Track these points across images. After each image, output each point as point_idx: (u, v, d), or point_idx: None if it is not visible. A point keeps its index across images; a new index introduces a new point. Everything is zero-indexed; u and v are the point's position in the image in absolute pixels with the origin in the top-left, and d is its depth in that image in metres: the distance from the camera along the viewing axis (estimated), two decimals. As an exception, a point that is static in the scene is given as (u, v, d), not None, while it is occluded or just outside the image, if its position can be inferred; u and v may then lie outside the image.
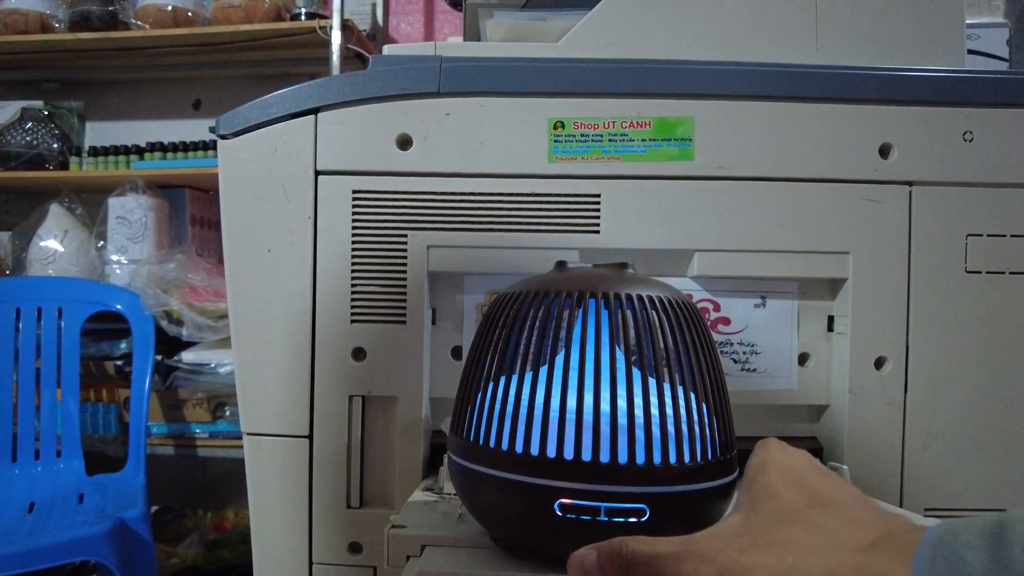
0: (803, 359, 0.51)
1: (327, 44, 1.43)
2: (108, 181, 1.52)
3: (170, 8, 1.51)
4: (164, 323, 1.29)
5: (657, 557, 0.28)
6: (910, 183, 0.48)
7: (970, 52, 0.77)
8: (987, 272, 0.48)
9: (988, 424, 0.48)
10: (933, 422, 0.48)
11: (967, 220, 0.48)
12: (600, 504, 0.31)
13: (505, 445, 0.33)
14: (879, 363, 0.48)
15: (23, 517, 1.12)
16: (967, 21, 0.56)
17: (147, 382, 1.26)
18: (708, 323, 0.50)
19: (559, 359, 0.33)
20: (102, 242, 1.50)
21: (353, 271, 0.48)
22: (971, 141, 0.48)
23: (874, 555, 0.23)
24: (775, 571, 0.25)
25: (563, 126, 0.48)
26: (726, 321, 0.51)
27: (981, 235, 0.48)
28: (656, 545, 0.28)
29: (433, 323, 0.51)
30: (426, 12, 1.74)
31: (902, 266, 0.48)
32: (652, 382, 0.33)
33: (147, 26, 1.52)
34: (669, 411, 0.33)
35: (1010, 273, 0.48)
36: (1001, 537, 0.21)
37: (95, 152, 1.61)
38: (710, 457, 0.33)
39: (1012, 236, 0.48)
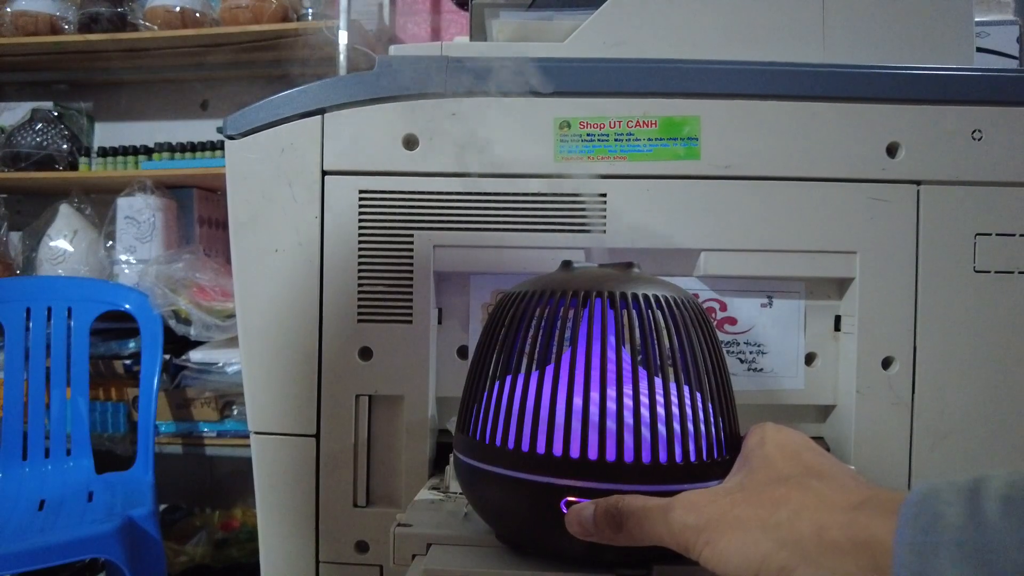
0: (810, 359, 0.51)
1: (334, 44, 1.44)
2: (117, 181, 1.53)
3: (178, 9, 1.52)
4: (172, 322, 1.30)
5: (647, 510, 0.30)
6: (918, 182, 0.48)
7: (979, 50, 0.76)
8: (996, 272, 0.48)
9: (996, 425, 0.48)
10: (941, 423, 0.48)
11: (976, 219, 0.48)
12: (606, 503, 0.31)
13: (511, 444, 0.33)
14: (886, 363, 0.48)
15: (33, 515, 1.13)
16: (976, 19, 0.56)
17: (155, 381, 1.27)
18: (714, 323, 0.50)
19: (565, 358, 0.34)
20: (111, 242, 1.51)
21: (360, 271, 0.49)
22: (980, 140, 0.48)
23: (861, 512, 0.25)
24: (766, 524, 0.26)
25: (569, 126, 0.48)
26: (732, 321, 0.51)
27: (990, 234, 0.48)
28: (648, 501, 0.30)
29: (439, 323, 0.51)
30: (432, 12, 1.74)
31: (910, 266, 0.48)
32: (658, 381, 0.33)
33: (155, 27, 1.53)
34: (675, 410, 0.33)
35: (1019, 273, 0.48)
36: (977, 493, 0.23)
37: (104, 153, 1.62)
38: (716, 456, 0.33)
39: (1021, 236, 0.48)
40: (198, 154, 1.57)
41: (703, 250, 0.49)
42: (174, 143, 1.58)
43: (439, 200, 0.48)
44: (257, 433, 0.50)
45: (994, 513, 0.21)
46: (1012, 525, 0.21)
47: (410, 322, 0.48)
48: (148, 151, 1.59)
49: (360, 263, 0.49)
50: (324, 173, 0.49)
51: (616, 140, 0.48)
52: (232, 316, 1.27)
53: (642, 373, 0.33)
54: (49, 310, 1.31)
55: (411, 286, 0.48)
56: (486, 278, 0.51)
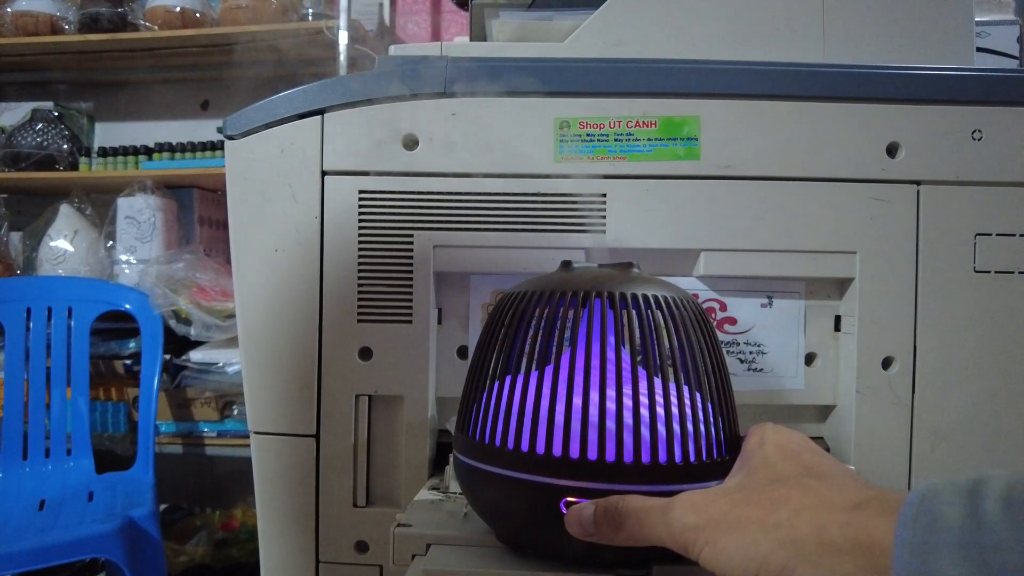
0: (810, 359, 0.51)
1: (334, 44, 1.44)
2: (117, 181, 1.54)
3: (178, 9, 1.52)
4: (172, 322, 1.30)
5: (647, 510, 0.30)
6: (918, 182, 0.48)
7: (979, 50, 0.76)
8: (996, 272, 0.48)
9: (997, 425, 0.48)
10: (941, 423, 0.48)
11: (976, 219, 0.48)
12: (605, 503, 0.31)
13: (511, 444, 0.33)
14: (886, 363, 0.48)
15: (34, 515, 1.13)
16: (976, 19, 0.56)
17: (155, 381, 1.27)
18: (714, 323, 0.50)
19: (564, 358, 0.34)
20: (111, 242, 1.51)
21: (359, 271, 0.49)
22: (980, 140, 0.48)
23: (861, 512, 0.25)
24: (765, 524, 0.26)
25: (569, 126, 0.48)
26: (732, 321, 0.51)
27: (990, 234, 0.48)
28: (647, 501, 0.30)
29: (439, 323, 0.51)
30: (432, 12, 1.74)
31: (910, 266, 0.48)
32: (658, 382, 0.33)
33: (156, 27, 1.53)
34: (675, 411, 0.33)
35: (1019, 273, 0.48)
36: (977, 494, 0.23)
37: (104, 153, 1.62)
38: (715, 456, 0.33)
39: (1021, 236, 0.48)
40: (198, 154, 1.57)
41: (703, 250, 0.49)
42: (174, 143, 1.58)
43: (439, 200, 0.48)
44: (257, 433, 0.50)
45: (994, 514, 0.21)
46: (1012, 526, 0.21)
47: (410, 322, 0.48)
48: (148, 151, 1.59)
49: (360, 263, 0.49)
50: (324, 173, 0.49)
51: (616, 140, 0.48)
52: (232, 316, 1.27)
53: (642, 373, 0.33)
54: (49, 310, 1.32)
55: (411, 286, 0.48)
56: (486, 278, 0.51)
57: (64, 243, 1.52)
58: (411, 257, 0.48)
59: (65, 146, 1.61)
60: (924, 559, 0.22)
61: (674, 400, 0.33)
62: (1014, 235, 0.48)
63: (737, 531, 0.27)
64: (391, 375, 0.49)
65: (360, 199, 0.49)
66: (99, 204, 1.59)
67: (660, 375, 0.33)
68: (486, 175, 0.48)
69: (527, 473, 0.32)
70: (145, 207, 1.48)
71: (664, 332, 0.34)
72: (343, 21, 1.43)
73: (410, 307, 0.48)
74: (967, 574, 0.21)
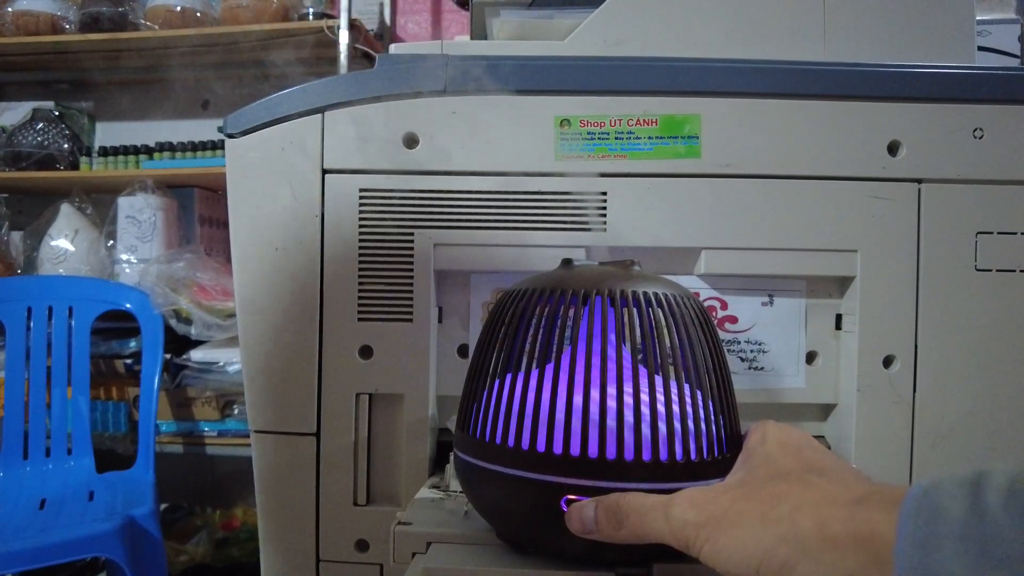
0: (811, 357, 0.51)
1: (335, 43, 1.44)
2: (118, 181, 1.53)
3: (179, 9, 1.52)
4: (173, 322, 1.30)
5: (648, 507, 0.30)
6: (919, 181, 0.48)
7: (981, 49, 0.76)
8: (997, 270, 0.48)
9: (998, 424, 0.48)
10: (942, 421, 0.48)
11: (977, 218, 0.48)
12: (606, 501, 0.31)
13: (511, 442, 0.33)
14: (887, 362, 0.48)
15: (34, 514, 1.13)
16: (978, 17, 0.56)
17: (156, 380, 1.27)
18: (715, 321, 0.50)
19: (565, 356, 0.33)
20: (112, 241, 1.51)
21: (360, 269, 0.49)
22: (981, 138, 0.48)
23: (862, 507, 0.25)
24: (766, 519, 0.26)
25: (569, 124, 0.48)
26: (733, 319, 0.50)
27: (991, 233, 0.48)
28: (648, 498, 0.30)
29: (439, 321, 0.51)
30: (433, 11, 1.74)
31: (911, 264, 0.48)
32: (658, 379, 0.33)
33: (156, 27, 1.53)
34: (675, 408, 0.33)
35: (1020, 271, 0.48)
36: (979, 487, 0.23)
37: (105, 152, 1.62)
38: (716, 454, 0.33)
39: (1022, 234, 0.48)
40: (199, 153, 1.57)
41: (704, 248, 0.49)
42: (175, 143, 1.58)
43: (439, 199, 0.48)
44: (257, 432, 0.50)
45: (996, 506, 0.21)
46: (1014, 518, 0.21)
47: (410, 320, 0.48)
48: (149, 151, 1.59)
49: (360, 262, 0.49)
50: (324, 171, 0.49)
51: (616, 138, 0.48)
52: (233, 315, 1.27)
53: (642, 371, 0.33)
54: (50, 309, 1.32)
55: (411, 285, 0.48)
56: (486, 276, 0.51)
57: (65, 242, 1.52)
58: (411, 255, 0.48)
59: (66, 145, 1.61)
60: (926, 552, 0.22)
61: (675, 398, 0.33)
62: (1015, 233, 0.48)
63: (738, 527, 0.27)
64: (391, 373, 0.49)
65: (361, 197, 0.49)
66: (100, 204, 1.59)
67: (661, 373, 0.33)
68: (487, 173, 0.48)
69: (528, 471, 0.32)
70: (146, 206, 1.48)
71: (665, 330, 0.34)
72: (343, 21, 1.43)
73: (411, 305, 0.48)
74: (969, 566, 0.21)
